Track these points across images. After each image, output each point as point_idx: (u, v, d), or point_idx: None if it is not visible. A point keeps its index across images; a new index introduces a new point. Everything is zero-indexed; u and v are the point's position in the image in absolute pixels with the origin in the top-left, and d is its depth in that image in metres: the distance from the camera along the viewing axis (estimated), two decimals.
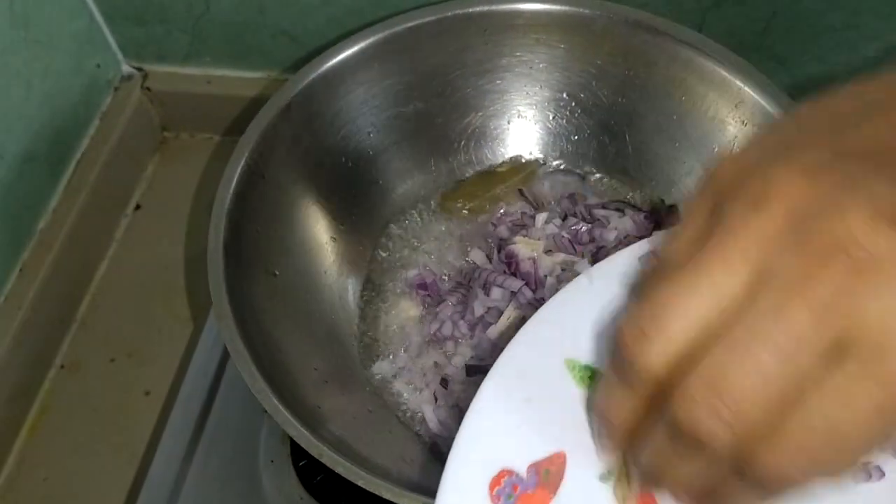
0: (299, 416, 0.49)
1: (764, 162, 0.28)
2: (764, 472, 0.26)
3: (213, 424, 0.65)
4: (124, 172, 0.91)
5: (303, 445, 0.46)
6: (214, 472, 0.63)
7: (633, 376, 0.29)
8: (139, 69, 0.91)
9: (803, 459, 0.26)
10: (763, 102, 0.59)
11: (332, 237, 0.64)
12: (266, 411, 0.47)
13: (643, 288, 0.30)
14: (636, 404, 0.30)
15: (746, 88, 0.59)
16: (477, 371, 0.58)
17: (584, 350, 0.40)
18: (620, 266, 0.41)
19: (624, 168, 0.68)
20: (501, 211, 0.66)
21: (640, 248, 0.42)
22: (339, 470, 0.45)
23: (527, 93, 0.68)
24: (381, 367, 0.62)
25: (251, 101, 0.90)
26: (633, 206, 0.66)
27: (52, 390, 0.80)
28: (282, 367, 0.54)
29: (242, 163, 0.57)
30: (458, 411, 0.58)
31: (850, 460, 0.26)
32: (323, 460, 0.46)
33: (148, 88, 0.91)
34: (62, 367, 0.81)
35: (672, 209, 0.65)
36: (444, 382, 0.59)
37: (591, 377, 0.40)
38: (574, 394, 0.39)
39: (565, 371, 0.40)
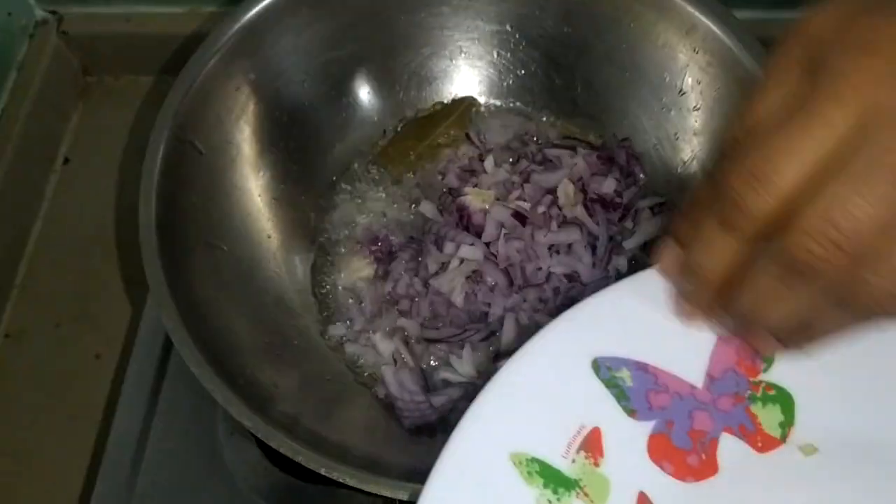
0: (255, 402, 0.47)
1: (864, 12, 0.29)
2: (869, 294, 0.28)
3: (169, 392, 0.63)
4: (48, 125, 0.86)
5: (261, 438, 0.44)
6: (175, 440, 0.61)
7: (741, 220, 0.30)
8: (53, 13, 0.86)
9: None
10: (715, 29, 0.56)
11: (273, 198, 0.61)
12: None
13: (737, 151, 0.31)
14: (739, 248, 0.31)
15: (698, 14, 0.56)
16: (436, 342, 0.57)
17: (530, 440, 0.38)
18: (556, 342, 0.39)
19: (574, 102, 0.65)
20: (447, 158, 0.63)
21: (569, 318, 0.39)
22: (300, 459, 0.44)
23: (467, 27, 0.64)
24: (338, 332, 0.60)
25: (175, 38, 0.85)
26: (586, 143, 0.64)
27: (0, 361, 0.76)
28: (232, 348, 0.52)
29: (168, 130, 0.54)
30: (419, 372, 0.57)
31: None
32: (282, 451, 0.44)
33: (64, 32, 0.86)
34: (7, 336, 0.78)
35: (624, 143, 0.63)
36: (404, 343, 0.58)
37: (540, 472, 0.37)
38: (522, 495, 0.37)
39: (511, 468, 0.37)
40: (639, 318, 0.39)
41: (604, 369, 0.39)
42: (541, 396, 0.38)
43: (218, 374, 0.47)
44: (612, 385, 0.39)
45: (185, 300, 0.50)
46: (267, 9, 0.59)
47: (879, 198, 0.27)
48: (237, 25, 0.58)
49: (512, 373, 0.39)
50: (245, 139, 0.60)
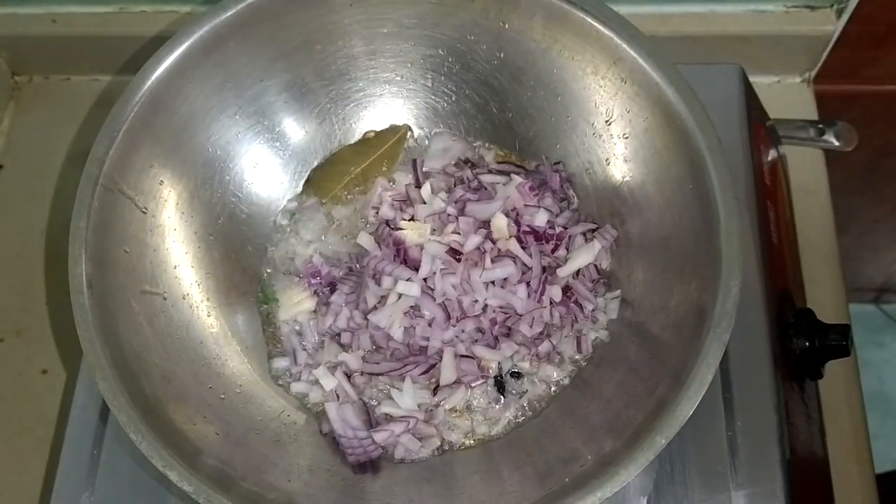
0: (195, 458, 0.48)
1: None
2: None
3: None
4: None
5: (202, 503, 0.46)
6: (125, 466, 0.61)
7: None
8: None
9: None
10: (641, 61, 0.56)
11: (210, 236, 0.61)
12: None
13: None
14: None
15: (624, 45, 0.57)
16: (377, 375, 0.58)
17: None
18: None
19: (508, 125, 0.65)
20: (381, 188, 0.63)
21: None
22: None
23: (401, 51, 0.64)
24: (282, 366, 0.61)
25: (105, 38, 0.84)
26: (520, 167, 0.64)
27: None
28: (173, 400, 0.52)
29: (96, 181, 0.53)
30: (362, 406, 0.58)
31: None
32: None
33: None
34: None
35: (557, 166, 0.64)
36: (346, 376, 0.59)
37: None
38: None
39: None
40: None
41: None
42: None
43: (157, 433, 0.48)
44: None
45: (122, 358, 0.51)
46: (194, 44, 0.58)
47: None
48: (162, 66, 0.57)
49: None
50: (176, 180, 0.59)
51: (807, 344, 0.62)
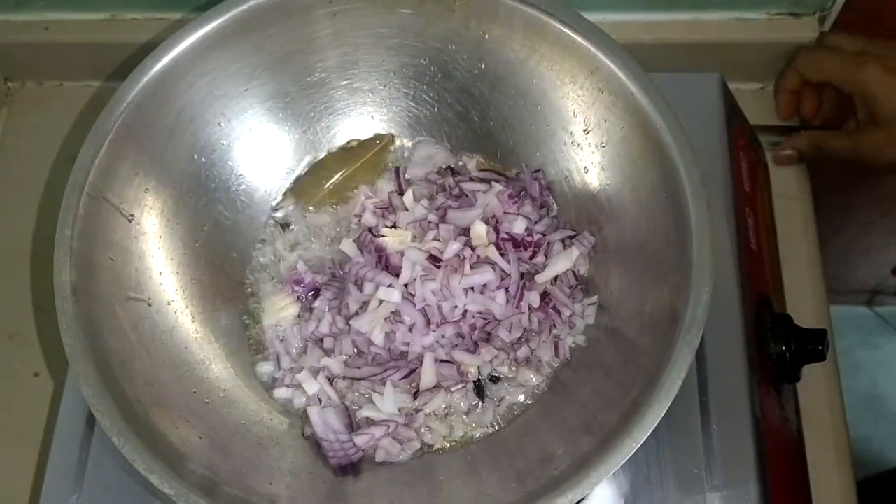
0: (178, 462, 0.49)
1: None
2: None
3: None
4: None
5: None
6: (112, 469, 0.62)
7: None
8: None
9: None
10: (617, 71, 0.57)
11: (194, 242, 0.62)
12: None
13: None
14: None
15: (601, 56, 0.58)
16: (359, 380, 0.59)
17: None
18: None
19: (490, 134, 0.66)
20: (363, 196, 0.64)
21: None
22: None
23: (383, 60, 0.65)
24: (266, 370, 0.62)
25: (95, 44, 0.85)
26: (501, 175, 0.65)
27: None
28: (157, 405, 0.53)
29: (82, 189, 0.54)
30: (344, 409, 0.59)
31: None
32: None
33: None
34: None
35: (537, 174, 0.65)
36: (329, 381, 0.60)
37: None
38: None
39: None
40: None
41: None
42: None
43: (140, 437, 0.49)
44: None
45: (106, 364, 0.52)
46: (180, 54, 0.59)
47: None
48: (147, 76, 0.58)
49: None
50: (162, 188, 0.60)
51: (783, 348, 0.63)
